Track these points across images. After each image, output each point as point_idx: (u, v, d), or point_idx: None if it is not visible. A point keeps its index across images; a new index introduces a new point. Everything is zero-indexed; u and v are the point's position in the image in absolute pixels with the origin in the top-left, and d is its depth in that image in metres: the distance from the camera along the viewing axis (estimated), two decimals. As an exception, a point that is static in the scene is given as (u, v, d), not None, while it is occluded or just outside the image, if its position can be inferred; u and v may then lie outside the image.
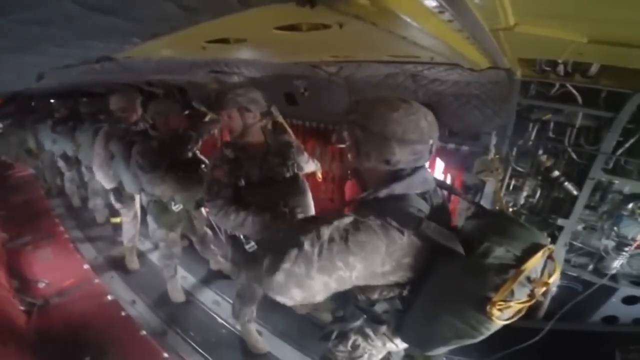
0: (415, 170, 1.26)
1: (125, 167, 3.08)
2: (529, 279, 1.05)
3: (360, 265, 1.14)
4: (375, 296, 1.33)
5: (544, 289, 1.06)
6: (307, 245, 1.11)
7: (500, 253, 1.06)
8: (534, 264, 1.03)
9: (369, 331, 1.48)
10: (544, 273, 1.09)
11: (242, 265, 2.47)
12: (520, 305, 1.06)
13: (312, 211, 2.36)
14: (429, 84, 2.55)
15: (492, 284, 1.05)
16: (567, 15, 1.07)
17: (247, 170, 2.16)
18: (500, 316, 1.06)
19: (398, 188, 1.23)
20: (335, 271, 1.12)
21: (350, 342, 1.56)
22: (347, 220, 1.18)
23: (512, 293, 1.03)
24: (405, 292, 1.29)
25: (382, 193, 1.23)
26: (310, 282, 1.11)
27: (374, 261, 1.16)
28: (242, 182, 2.14)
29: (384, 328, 1.42)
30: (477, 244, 1.10)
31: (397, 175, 1.25)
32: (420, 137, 1.18)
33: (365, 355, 1.60)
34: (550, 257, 1.08)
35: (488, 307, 1.04)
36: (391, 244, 1.15)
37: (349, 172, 1.48)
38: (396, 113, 1.16)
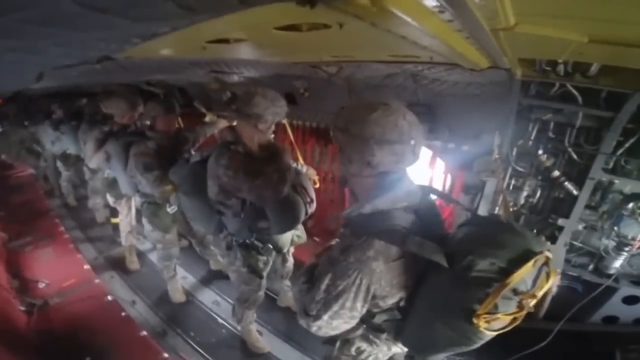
0: (399, 183, 1.27)
1: (122, 167, 3.08)
2: (515, 291, 1.03)
3: (358, 304, 1.24)
4: (375, 309, 1.35)
5: (533, 301, 1.03)
6: (314, 311, 1.29)
7: (484, 266, 1.04)
8: (521, 276, 1.00)
9: (373, 337, 1.48)
10: (537, 281, 1.06)
11: (263, 271, 2.50)
12: (509, 317, 1.05)
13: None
14: (429, 84, 2.55)
15: (476, 298, 1.04)
16: (567, 15, 1.07)
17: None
18: (489, 327, 1.05)
19: (381, 203, 1.24)
20: (342, 313, 1.26)
21: (354, 348, 1.56)
22: (328, 275, 1.26)
23: (495, 306, 1.02)
24: (402, 302, 1.33)
25: (366, 209, 1.25)
26: (333, 325, 1.29)
27: (367, 294, 1.23)
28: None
29: (385, 335, 1.44)
30: (462, 256, 1.08)
31: (381, 188, 1.26)
32: (399, 137, 1.18)
33: (370, 358, 1.59)
34: (545, 264, 1.04)
35: (474, 319, 1.04)
36: (371, 274, 1.20)
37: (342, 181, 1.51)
38: (374, 114, 1.17)
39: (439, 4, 0.83)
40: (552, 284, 1.07)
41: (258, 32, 1.27)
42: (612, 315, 2.61)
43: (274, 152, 2.22)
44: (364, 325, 1.44)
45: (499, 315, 1.03)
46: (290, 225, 2.33)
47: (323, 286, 1.26)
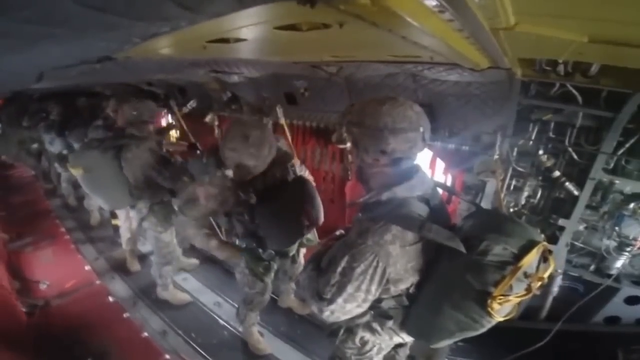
0: (414, 172, 1.35)
1: (113, 179, 2.81)
2: (525, 274, 1.13)
3: (373, 287, 1.28)
4: (384, 295, 1.37)
5: (539, 283, 1.13)
6: (328, 294, 1.33)
7: (499, 251, 1.13)
8: (530, 260, 1.10)
9: (376, 326, 1.50)
10: (539, 268, 1.16)
11: (264, 275, 2.50)
12: (518, 299, 1.14)
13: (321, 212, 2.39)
14: (429, 84, 2.55)
15: (492, 280, 1.13)
16: (567, 15, 1.07)
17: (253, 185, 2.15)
18: (500, 310, 1.14)
19: (399, 191, 1.30)
20: (357, 296, 1.30)
21: (358, 338, 1.58)
22: (345, 258, 1.29)
23: (510, 288, 1.12)
24: (412, 289, 1.37)
25: (385, 196, 1.31)
26: (346, 308, 1.33)
27: (382, 277, 1.27)
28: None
29: (390, 322, 1.45)
30: (476, 242, 1.16)
31: (398, 176, 1.32)
32: (410, 125, 1.26)
33: (375, 349, 1.62)
34: (544, 252, 1.14)
35: (489, 302, 1.12)
36: (387, 257, 1.24)
37: (349, 173, 1.54)
38: (384, 106, 1.26)
39: (439, 4, 0.83)
40: (552, 269, 1.15)
41: (258, 32, 1.27)
42: (614, 316, 2.61)
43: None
44: (371, 312, 1.46)
45: (510, 297, 1.12)
46: (282, 245, 2.34)
47: (339, 269, 1.30)
